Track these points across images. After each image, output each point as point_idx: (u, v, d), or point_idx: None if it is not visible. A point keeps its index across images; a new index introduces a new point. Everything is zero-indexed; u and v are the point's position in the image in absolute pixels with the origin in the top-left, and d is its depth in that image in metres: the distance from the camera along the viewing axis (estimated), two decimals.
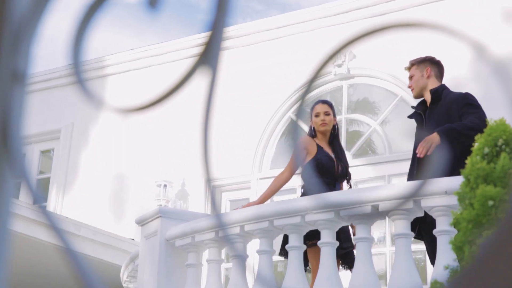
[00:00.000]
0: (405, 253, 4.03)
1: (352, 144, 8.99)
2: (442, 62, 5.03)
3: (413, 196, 0.48)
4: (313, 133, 5.20)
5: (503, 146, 1.78)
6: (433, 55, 5.05)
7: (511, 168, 1.65)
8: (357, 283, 3.99)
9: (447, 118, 4.55)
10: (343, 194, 4.41)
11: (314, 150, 5.07)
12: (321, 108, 5.19)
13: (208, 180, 0.45)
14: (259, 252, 4.55)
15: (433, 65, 4.91)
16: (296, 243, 4.39)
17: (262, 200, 4.99)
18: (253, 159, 9.20)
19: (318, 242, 4.33)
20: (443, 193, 3.90)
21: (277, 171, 9.07)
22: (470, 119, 4.45)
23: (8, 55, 0.46)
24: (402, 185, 4.26)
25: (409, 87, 4.97)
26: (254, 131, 9.32)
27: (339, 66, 9.08)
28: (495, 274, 0.38)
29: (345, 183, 5.19)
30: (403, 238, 4.05)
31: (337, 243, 4.35)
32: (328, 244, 4.27)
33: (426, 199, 3.94)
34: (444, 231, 3.90)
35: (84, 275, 0.49)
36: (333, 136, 5.22)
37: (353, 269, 4.17)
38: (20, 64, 0.47)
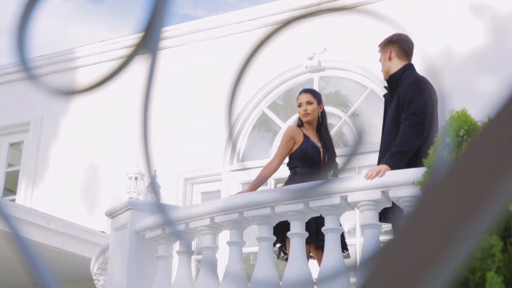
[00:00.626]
0: (374, 243, 4.07)
1: None
2: (406, 37, 4.77)
3: (308, 196, 0.49)
4: (299, 123, 5.18)
5: (465, 137, 1.81)
6: (397, 33, 4.80)
7: None
8: (326, 272, 4.03)
9: (396, 116, 4.47)
10: (312, 185, 4.43)
11: (300, 140, 5.05)
12: (303, 97, 5.15)
13: (148, 169, 0.45)
14: (229, 243, 4.56)
15: (393, 44, 4.70)
16: (266, 234, 4.41)
17: (252, 189, 4.95)
18: (224, 152, 9.20)
19: (288, 233, 4.35)
20: (410, 184, 3.95)
21: (248, 163, 9.09)
22: (403, 131, 4.36)
23: None
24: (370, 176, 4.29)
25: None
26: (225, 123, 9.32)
27: (310, 58, 9.12)
28: (416, 243, 0.39)
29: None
30: (371, 229, 4.09)
31: (307, 234, 4.37)
32: (297, 235, 4.30)
33: (394, 189, 3.99)
34: None
35: (32, 263, 0.49)
36: (320, 125, 5.19)
37: (322, 259, 4.20)
38: None
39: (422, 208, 0.39)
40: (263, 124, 9.47)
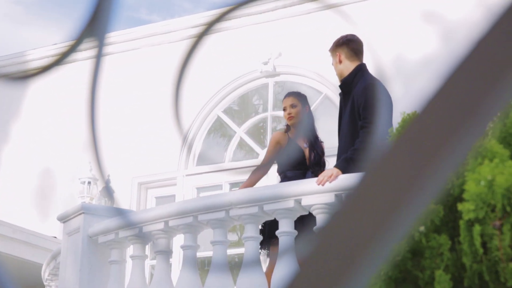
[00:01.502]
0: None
1: None
2: (354, 37, 4.74)
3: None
4: (287, 127, 5.21)
5: None
6: (344, 35, 4.76)
7: None
8: (280, 275, 4.05)
9: (351, 120, 4.50)
10: (267, 188, 4.45)
11: (285, 144, 5.09)
12: (286, 101, 5.17)
13: (101, 173, 0.45)
14: (183, 247, 4.54)
15: (342, 47, 4.66)
16: (220, 238, 4.41)
17: None
18: (179, 156, 9.16)
19: (242, 237, 4.36)
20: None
21: (203, 168, 9.08)
22: (360, 138, 4.38)
23: None
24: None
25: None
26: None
27: (265, 63, 9.15)
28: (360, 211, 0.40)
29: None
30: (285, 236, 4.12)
31: (261, 238, 4.39)
32: (251, 238, 4.31)
33: (306, 197, 4.04)
34: None
35: None
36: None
37: (276, 263, 4.21)
38: None
39: (358, 192, 0.40)
40: (218, 129, 9.47)
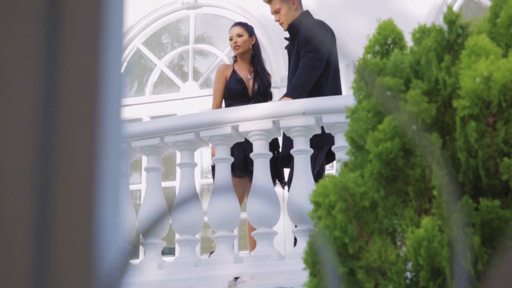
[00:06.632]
0: (263, 171, 4.12)
1: (199, 75, 8.97)
2: None
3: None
4: (234, 58, 5.25)
5: (391, 45, 1.84)
6: None
7: (403, 62, 1.71)
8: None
9: (298, 60, 4.64)
10: (203, 114, 4.40)
11: (228, 76, 5.07)
12: (233, 30, 5.21)
13: None
14: None
15: None
16: (155, 165, 4.34)
17: None
18: None
19: (178, 163, 4.31)
20: (301, 114, 4.01)
21: (124, 101, 8.87)
22: (300, 66, 4.54)
23: None
24: (262, 106, 4.32)
25: (277, 21, 4.85)
26: None
27: None
28: None
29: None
30: (261, 158, 4.13)
31: (196, 164, 4.35)
32: (187, 165, 4.27)
33: (285, 119, 4.03)
34: (301, 150, 4.02)
35: None
36: (253, 57, 5.18)
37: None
38: None
39: None
40: (138, 61, 9.24)
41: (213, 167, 4.73)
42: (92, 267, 0.37)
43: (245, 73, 5.11)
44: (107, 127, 0.42)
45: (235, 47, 5.16)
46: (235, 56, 5.25)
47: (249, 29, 5.26)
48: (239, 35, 5.16)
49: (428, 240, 1.34)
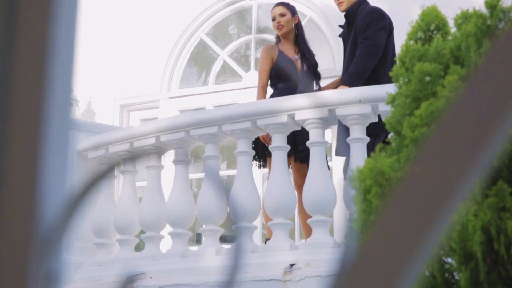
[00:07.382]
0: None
1: None
2: None
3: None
4: (277, 39, 5.16)
5: (435, 31, 1.84)
6: None
7: (444, 48, 1.71)
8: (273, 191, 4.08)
9: (355, 48, 4.60)
10: (260, 103, 4.44)
11: (276, 56, 5.03)
12: (275, 10, 5.16)
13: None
14: (174, 162, 4.55)
15: None
16: (213, 153, 4.41)
17: None
18: (161, 78, 9.08)
19: (235, 151, 4.37)
20: (357, 102, 4.00)
21: (187, 90, 9.02)
22: (357, 53, 4.51)
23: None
24: (318, 94, 4.33)
25: (339, 1, 4.80)
26: (163, 50, 9.16)
27: None
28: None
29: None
30: (317, 146, 4.15)
31: (253, 152, 4.41)
32: (244, 153, 4.32)
33: (341, 107, 4.04)
34: (358, 138, 4.02)
35: None
36: (297, 36, 5.15)
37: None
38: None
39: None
40: (201, 51, 9.36)
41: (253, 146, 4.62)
42: (34, 219, 0.41)
43: (292, 53, 5.07)
44: (55, 84, 0.45)
45: (279, 27, 5.09)
46: (278, 37, 5.16)
47: (291, 9, 5.19)
48: (282, 15, 5.10)
49: (461, 225, 1.35)
